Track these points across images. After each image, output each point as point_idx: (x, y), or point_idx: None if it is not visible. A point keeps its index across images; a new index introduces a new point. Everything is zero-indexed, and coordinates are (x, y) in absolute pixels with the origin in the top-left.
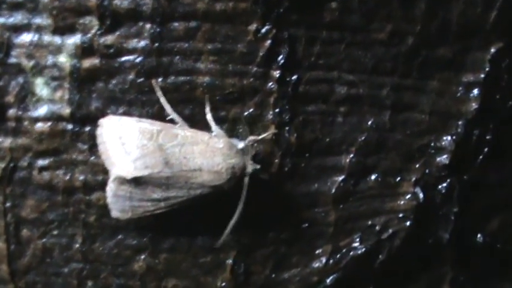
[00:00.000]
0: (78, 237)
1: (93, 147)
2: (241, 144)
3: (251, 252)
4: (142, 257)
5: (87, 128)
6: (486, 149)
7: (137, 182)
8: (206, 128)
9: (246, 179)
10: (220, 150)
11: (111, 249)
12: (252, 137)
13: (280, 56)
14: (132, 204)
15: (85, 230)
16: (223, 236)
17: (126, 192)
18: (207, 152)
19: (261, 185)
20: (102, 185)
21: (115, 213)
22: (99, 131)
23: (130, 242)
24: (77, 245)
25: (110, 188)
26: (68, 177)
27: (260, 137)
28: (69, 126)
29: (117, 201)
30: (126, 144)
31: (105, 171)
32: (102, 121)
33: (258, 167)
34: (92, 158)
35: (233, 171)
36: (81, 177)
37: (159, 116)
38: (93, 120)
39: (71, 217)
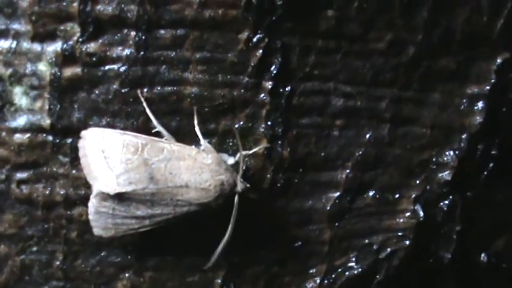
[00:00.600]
0: (59, 254)
1: (75, 160)
2: (231, 160)
3: (241, 271)
4: (127, 275)
5: (69, 140)
6: (491, 165)
7: (120, 198)
8: (194, 141)
9: (236, 199)
10: (209, 166)
11: (93, 267)
12: (243, 152)
13: (273, 66)
14: (115, 221)
15: (66, 246)
16: (213, 257)
17: (109, 208)
18: (194, 168)
19: (252, 201)
20: (84, 200)
21: (97, 230)
22: (81, 144)
23: (113, 260)
24: (58, 262)
25: (92, 204)
26: (48, 191)
27: (251, 151)
28: (50, 138)
29: (99, 218)
30: (110, 158)
31: (87, 186)
32: (85, 133)
33: (248, 185)
34: (74, 171)
35: (222, 189)
36: (62, 192)
37: (145, 128)
38: (74, 131)
39: (51, 233)
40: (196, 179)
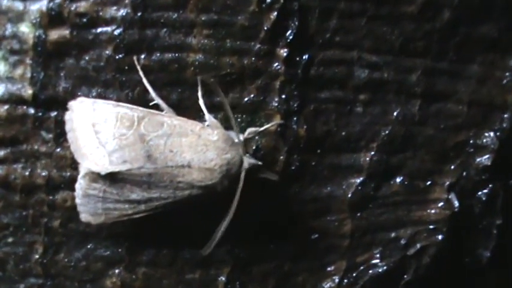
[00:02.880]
0: (38, 245)
1: (60, 137)
2: (239, 137)
3: (248, 268)
4: (117, 271)
5: (53, 113)
6: None
7: (113, 179)
8: (197, 116)
9: (242, 175)
10: (214, 144)
11: (78, 262)
12: (252, 129)
13: (289, 31)
14: (106, 205)
15: (47, 237)
16: (212, 241)
17: (99, 191)
18: (198, 146)
19: (262, 186)
20: (70, 183)
21: (85, 216)
22: (68, 116)
23: (102, 253)
24: (37, 256)
25: (80, 185)
26: (27, 173)
27: (262, 128)
28: (31, 111)
29: (88, 202)
30: (101, 133)
31: (74, 166)
32: (72, 104)
33: (259, 163)
34: (58, 149)
35: (228, 169)
36: (44, 173)
37: (141, 100)
38: (60, 103)
39: (30, 221)
40: (200, 157)
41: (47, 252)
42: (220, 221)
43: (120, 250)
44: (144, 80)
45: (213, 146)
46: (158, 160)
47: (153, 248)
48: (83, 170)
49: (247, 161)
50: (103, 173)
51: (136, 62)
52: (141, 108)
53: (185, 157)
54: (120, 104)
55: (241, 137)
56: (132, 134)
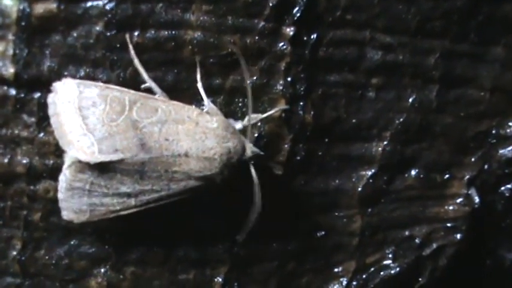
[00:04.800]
0: (17, 241)
1: (43, 121)
2: (238, 124)
3: (248, 268)
4: (102, 270)
5: (36, 95)
6: None
7: (102, 169)
8: (195, 100)
9: (252, 167)
10: (214, 131)
11: (60, 259)
12: (254, 115)
13: (296, 8)
14: (92, 201)
15: (26, 231)
16: (245, 228)
17: (86, 183)
18: (196, 133)
19: (263, 178)
20: (53, 172)
21: (67, 214)
22: (52, 99)
23: (86, 250)
24: (14, 252)
25: (65, 177)
26: (6, 160)
27: (265, 114)
28: (12, 92)
29: (71, 197)
30: (89, 119)
31: (58, 154)
32: (57, 85)
33: (261, 152)
34: (41, 135)
35: (229, 158)
36: (25, 161)
37: (134, 82)
38: (44, 84)
39: (7, 214)
40: (199, 146)
41: (26, 249)
42: (214, 217)
43: (106, 247)
44: (136, 61)
45: (212, 133)
46: (153, 149)
47: (143, 245)
48: (68, 159)
49: (250, 148)
50: (92, 162)
51: (128, 40)
52: (132, 91)
53: (182, 146)
54: (110, 86)
55: (241, 124)
56: (123, 120)
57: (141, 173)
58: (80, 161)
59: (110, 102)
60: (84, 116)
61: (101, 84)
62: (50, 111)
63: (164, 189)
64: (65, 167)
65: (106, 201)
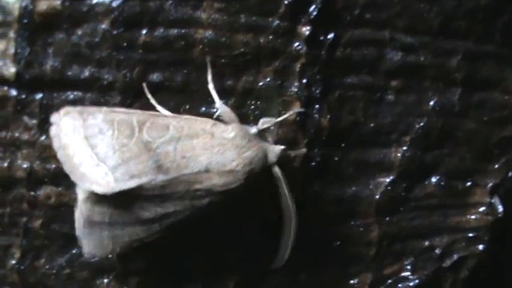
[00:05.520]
0: (15, 249)
1: (45, 123)
2: (253, 129)
3: (259, 279)
4: (105, 280)
5: (38, 96)
6: None
7: (120, 198)
8: (205, 102)
9: (277, 171)
10: (232, 142)
11: (61, 269)
12: (267, 118)
13: (312, 6)
14: (113, 233)
15: (26, 239)
16: (283, 253)
17: (105, 215)
18: (213, 146)
19: (275, 184)
20: (55, 177)
21: (88, 250)
22: (55, 132)
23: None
24: (13, 261)
25: (81, 213)
26: (6, 164)
27: (280, 118)
28: (13, 92)
29: (91, 233)
30: (98, 147)
31: None
32: (57, 117)
33: (282, 147)
34: (42, 138)
35: (252, 169)
36: (25, 165)
37: (141, 82)
38: (47, 84)
39: (6, 221)
40: (219, 159)
41: (25, 257)
42: (224, 223)
43: (110, 256)
44: (153, 101)
45: (230, 144)
46: (170, 169)
47: (148, 255)
48: (82, 193)
49: (274, 153)
50: (109, 192)
51: (146, 89)
52: (139, 111)
53: (201, 161)
54: (114, 109)
55: (255, 129)
56: (134, 143)
57: (162, 196)
58: (95, 194)
59: (117, 126)
60: (92, 146)
61: (105, 108)
62: (55, 145)
63: (187, 209)
64: (80, 201)
65: (128, 231)
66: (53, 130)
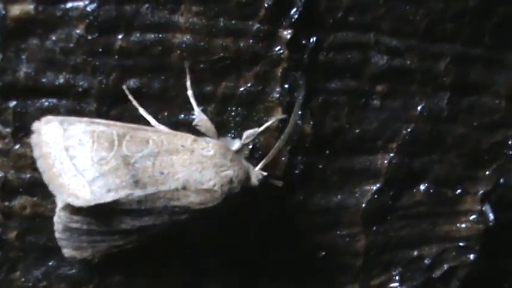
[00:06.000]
0: None
1: (19, 131)
2: (236, 143)
3: None
4: None
5: (12, 104)
6: None
7: (98, 209)
8: (184, 108)
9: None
10: (211, 160)
11: (37, 281)
12: (249, 131)
13: (294, 9)
14: (92, 238)
15: (1, 251)
16: None
17: (82, 224)
18: (192, 164)
19: (258, 195)
20: (30, 187)
21: (68, 251)
22: (35, 140)
23: (66, 272)
24: None
25: (59, 219)
26: None
27: (261, 128)
28: None
29: (70, 236)
30: (77, 158)
31: (35, 168)
32: (38, 125)
33: (264, 174)
34: (17, 146)
35: (231, 188)
36: (0, 175)
37: (117, 88)
38: (20, 92)
39: None
40: (196, 177)
41: (0, 270)
42: (209, 231)
43: (88, 268)
44: (141, 110)
45: (209, 162)
46: (148, 185)
47: (128, 267)
48: (60, 202)
49: (256, 176)
50: (85, 205)
51: (126, 91)
52: (119, 123)
53: (179, 179)
54: (95, 120)
55: (239, 143)
56: (113, 157)
57: (139, 211)
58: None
59: (97, 138)
60: (71, 156)
61: (86, 119)
62: (35, 154)
63: (166, 223)
64: (58, 208)
65: (107, 238)
66: (33, 138)
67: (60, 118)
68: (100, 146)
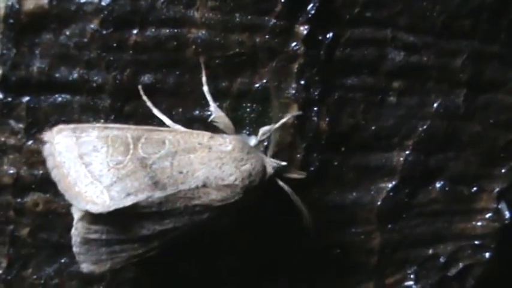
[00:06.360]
0: (2, 258)
1: (32, 127)
2: (253, 140)
3: None
4: None
5: (25, 99)
6: None
7: (117, 216)
8: (199, 104)
9: (282, 184)
10: (230, 155)
11: (49, 279)
12: (265, 128)
13: (310, 4)
14: (111, 249)
15: (13, 248)
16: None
17: (102, 233)
18: (211, 160)
19: (273, 192)
20: (43, 184)
21: (87, 266)
22: (48, 151)
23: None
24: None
25: (77, 231)
26: None
27: (277, 124)
28: None
29: (89, 249)
30: (92, 165)
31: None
32: (50, 135)
33: (283, 163)
34: (29, 142)
35: (251, 181)
36: (12, 171)
37: (132, 84)
38: (34, 87)
39: None
40: (217, 174)
41: (12, 267)
42: (221, 231)
43: None
44: (155, 110)
45: (229, 157)
46: (168, 185)
47: (140, 263)
48: (77, 212)
49: (271, 164)
50: (106, 211)
51: (141, 92)
52: (133, 126)
53: (198, 176)
54: (108, 125)
55: (255, 140)
56: (130, 160)
57: (160, 213)
58: (91, 213)
59: (111, 143)
60: (87, 163)
61: (98, 125)
62: (49, 164)
63: (187, 224)
64: (75, 220)
65: (127, 247)
66: (46, 149)
67: (72, 126)
68: (115, 151)
